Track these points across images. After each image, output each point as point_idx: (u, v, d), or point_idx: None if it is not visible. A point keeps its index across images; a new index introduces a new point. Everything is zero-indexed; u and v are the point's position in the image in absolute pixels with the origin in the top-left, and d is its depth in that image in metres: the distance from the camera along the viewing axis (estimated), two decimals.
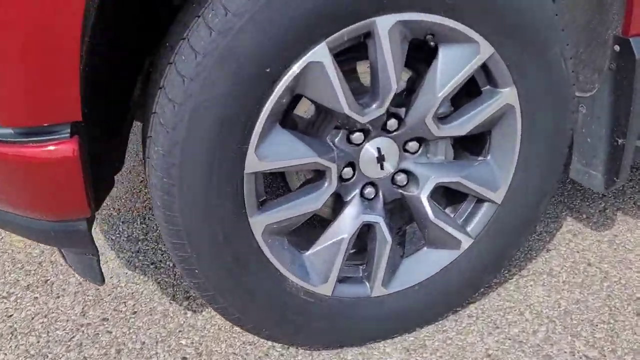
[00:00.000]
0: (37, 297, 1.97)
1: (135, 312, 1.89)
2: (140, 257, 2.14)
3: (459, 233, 1.65)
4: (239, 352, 1.72)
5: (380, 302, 1.64)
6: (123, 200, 2.48)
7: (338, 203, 1.60)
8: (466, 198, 1.69)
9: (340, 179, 1.52)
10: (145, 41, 1.60)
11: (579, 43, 1.69)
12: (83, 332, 1.82)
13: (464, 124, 1.53)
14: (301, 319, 1.57)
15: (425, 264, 1.68)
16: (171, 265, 2.08)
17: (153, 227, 2.29)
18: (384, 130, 1.51)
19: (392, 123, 1.51)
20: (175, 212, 1.33)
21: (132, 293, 1.98)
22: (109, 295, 1.97)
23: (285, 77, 1.30)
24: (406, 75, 1.65)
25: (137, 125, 2.19)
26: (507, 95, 1.52)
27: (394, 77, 1.40)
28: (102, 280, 1.48)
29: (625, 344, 1.71)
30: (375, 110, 1.43)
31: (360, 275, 1.65)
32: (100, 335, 1.81)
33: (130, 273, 2.07)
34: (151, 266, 2.10)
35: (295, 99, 1.52)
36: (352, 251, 1.73)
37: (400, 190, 1.61)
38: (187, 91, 1.23)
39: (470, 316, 1.81)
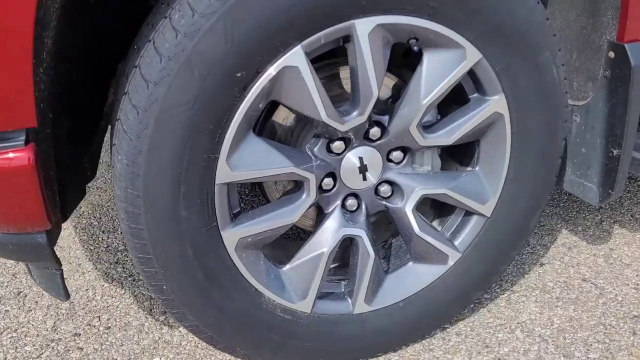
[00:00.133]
0: (7, 310, 1.89)
1: (109, 327, 1.81)
2: (118, 269, 2.06)
3: (446, 247, 1.57)
4: None
5: (363, 320, 1.56)
6: (105, 209, 2.41)
7: (320, 215, 1.52)
8: (454, 210, 1.61)
9: (320, 189, 1.45)
10: (119, 45, 1.53)
11: (572, 49, 1.62)
12: (53, 348, 1.74)
13: (450, 133, 1.46)
14: (278, 338, 1.49)
15: (411, 280, 1.60)
16: None
17: None
18: (367, 139, 1.44)
19: (375, 131, 1.43)
20: (141, 224, 1.25)
21: (107, 307, 1.90)
22: (83, 308, 1.89)
23: (258, 83, 1.22)
24: (391, 82, 1.58)
25: None
26: (496, 103, 1.44)
27: (375, 84, 1.32)
28: (67, 296, 1.40)
29: None
30: (356, 118, 1.36)
31: (342, 291, 1.58)
32: (70, 352, 1.72)
33: (107, 285, 1.99)
34: (129, 278, 2.02)
35: (274, 105, 1.46)
36: (334, 265, 1.66)
37: (384, 202, 1.54)
38: (152, 97, 1.16)
39: (459, 334, 1.73)
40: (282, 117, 1.49)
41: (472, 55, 1.36)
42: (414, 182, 1.51)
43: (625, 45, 1.46)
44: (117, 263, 2.09)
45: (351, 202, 1.50)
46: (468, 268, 1.61)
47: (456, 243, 1.59)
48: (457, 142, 1.48)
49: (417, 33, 1.32)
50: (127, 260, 2.10)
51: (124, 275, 2.03)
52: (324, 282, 1.52)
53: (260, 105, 1.27)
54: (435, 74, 1.38)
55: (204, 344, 1.71)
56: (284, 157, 1.33)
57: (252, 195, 2.41)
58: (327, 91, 1.51)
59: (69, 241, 2.25)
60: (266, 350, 1.51)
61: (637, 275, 1.93)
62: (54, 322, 1.84)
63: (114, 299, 1.93)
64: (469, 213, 1.59)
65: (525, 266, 1.98)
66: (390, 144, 1.46)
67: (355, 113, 1.36)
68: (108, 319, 1.85)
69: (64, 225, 2.36)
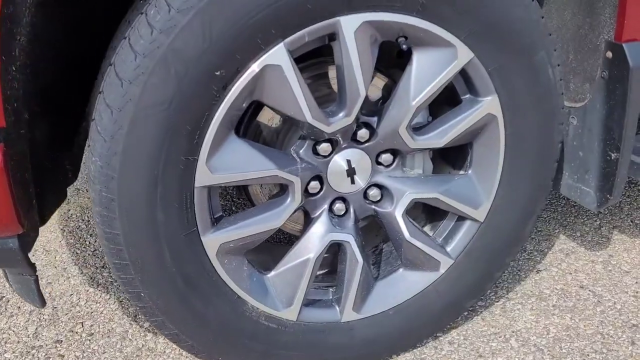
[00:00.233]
0: None
1: (91, 334, 1.76)
2: (104, 274, 2.01)
3: (438, 253, 1.52)
4: None
5: (351, 328, 1.51)
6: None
7: (306, 220, 1.47)
8: (446, 215, 1.56)
9: (307, 193, 1.40)
10: (104, 43, 1.48)
11: (568, 49, 1.56)
12: (33, 355, 1.69)
13: (442, 136, 1.40)
14: (262, 347, 1.43)
15: (401, 287, 1.54)
16: None
17: None
18: (355, 141, 1.39)
19: (363, 133, 1.39)
20: (116, 229, 1.20)
21: (91, 312, 1.85)
22: (67, 314, 1.84)
23: (239, 82, 1.17)
24: (382, 82, 1.53)
25: None
26: (489, 104, 1.39)
27: (363, 84, 1.27)
28: (42, 303, 1.35)
29: None
30: (343, 120, 1.31)
31: (330, 298, 1.52)
32: (51, 359, 1.67)
33: (92, 290, 1.94)
34: (115, 283, 1.96)
35: (259, 105, 1.41)
36: (322, 272, 1.61)
37: (374, 206, 1.48)
38: (126, 96, 1.11)
39: (452, 343, 1.68)
40: (268, 118, 1.44)
41: (464, 55, 1.32)
42: (404, 185, 1.46)
43: (624, 44, 1.41)
44: (103, 267, 2.04)
45: (339, 206, 1.45)
46: (461, 275, 1.56)
47: (448, 249, 1.54)
48: (448, 145, 1.43)
49: (406, 31, 1.27)
50: None
51: (109, 280, 1.98)
52: (310, 289, 1.47)
53: (242, 106, 1.22)
54: (425, 74, 1.33)
55: None
56: (267, 160, 1.28)
57: (244, 199, 2.36)
58: (314, 91, 1.47)
59: (56, 244, 2.20)
60: None
61: (636, 282, 1.87)
62: (36, 329, 1.79)
63: (98, 304, 1.88)
64: (461, 218, 1.53)
65: (522, 273, 1.93)
66: (379, 147, 1.41)
67: (341, 114, 1.31)
68: (91, 326, 1.80)
69: (51, 228, 2.34)
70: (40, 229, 2.25)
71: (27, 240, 1.25)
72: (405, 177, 1.48)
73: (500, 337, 1.69)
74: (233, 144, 1.24)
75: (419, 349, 1.66)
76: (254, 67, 1.17)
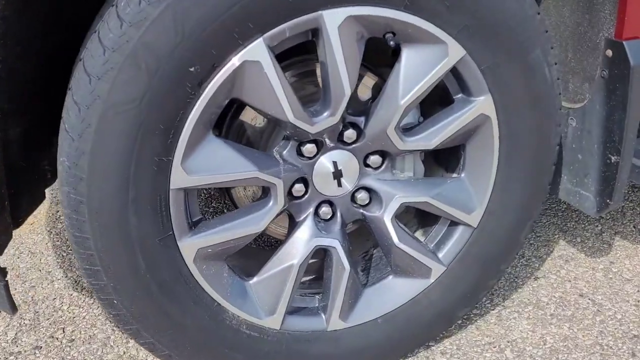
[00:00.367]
0: None
1: (72, 340, 1.71)
2: None
3: (429, 260, 1.45)
4: None
5: (337, 337, 1.44)
6: None
7: (291, 224, 1.41)
8: (439, 220, 1.49)
9: (291, 196, 1.34)
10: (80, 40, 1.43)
11: (567, 47, 1.50)
12: None
13: (432, 137, 1.34)
14: (243, 357, 1.37)
15: (391, 295, 1.48)
16: None
17: None
18: (341, 142, 1.33)
19: (350, 134, 1.32)
20: (86, 233, 1.14)
21: (73, 317, 1.79)
22: (48, 319, 1.79)
23: (216, 78, 1.12)
24: (372, 81, 1.47)
25: None
26: (482, 104, 1.33)
27: (348, 82, 1.21)
28: (13, 310, 1.29)
29: None
30: (327, 119, 1.25)
31: (316, 306, 1.46)
32: None
33: (75, 295, 1.89)
34: None
35: (242, 104, 1.35)
36: (309, 278, 1.55)
37: (362, 210, 1.42)
38: (94, 92, 1.05)
39: (444, 353, 1.61)
40: (251, 117, 1.39)
41: (455, 52, 1.25)
42: (393, 189, 1.40)
43: (624, 42, 1.35)
44: None
45: (325, 210, 1.39)
46: (453, 282, 1.49)
47: (440, 255, 1.47)
48: (440, 147, 1.36)
49: (393, 27, 1.21)
50: None
51: None
52: (295, 297, 1.41)
53: (220, 104, 1.16)
54: (415, 72, 1.26)
55: None
56: (247, 161, 1.22)
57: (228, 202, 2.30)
58: (301, 89, 1.42)
59: (42, 246, 2.15)
60: None
61: (638, 291, 1.80)
62: (15, 334, 1.73)
63: (81, 309, 1.82)
64: (454, 223, 1.47)
65: (519, 280, 1.86)
66: (367, 148, 1.35)
67: (326, 114, 1.25)
68: (72, 331, 1.74)
69: (38, 230, 2.29)
70: (27, 231, 2.20)
71: None
72: (394, 180, 1.41)
73: (494, 347, 1.62)
74: (211, 144, 1.18)
75: (409, 359, 1.59)
76: (232, 63, 1.11)
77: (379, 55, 1.42)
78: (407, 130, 1.36)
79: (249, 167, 1.22)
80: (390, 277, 1.48)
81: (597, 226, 2.10)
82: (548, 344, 1.62)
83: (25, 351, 1.67)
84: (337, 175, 1.35)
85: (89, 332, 1.73)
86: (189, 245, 1.23)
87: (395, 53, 1.42)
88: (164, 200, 1.17)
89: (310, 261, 1.48)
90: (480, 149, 1.40)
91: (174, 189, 1.17)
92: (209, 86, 1.11)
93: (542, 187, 1.48)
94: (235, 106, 1.39)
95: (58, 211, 2.34)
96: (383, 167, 1.40)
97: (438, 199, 1.41)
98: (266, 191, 1.31)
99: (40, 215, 2.31)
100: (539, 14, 1.29)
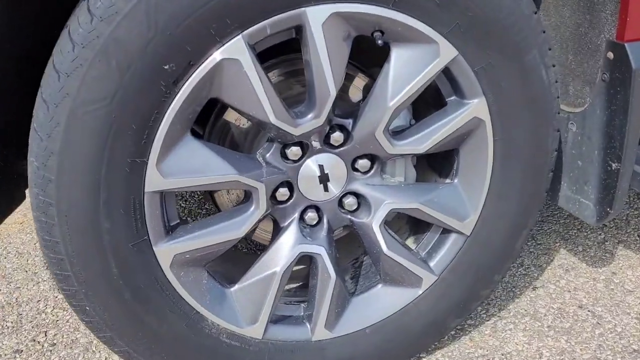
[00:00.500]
0: None
1: (54, 344, 1.66)
2: None
3: (420, 269, 1.40)
4: None
5: (322, 348, 1.39)
6: None
7: (275, 229, 1.36)
8: (430, 227, 1.44)
9: (275, 200, 1.28)
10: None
11: (567, 49, 1.44)
12: None
13: (423, 141, 1.28)
14: None
15: (380, 304, 1.42)
16: None
17: None
18: (328, 144, 1.27)
19: (337, 136, 1.27)
20: (56, 237, 1.09)
21: (57, 321, 1.75)
22: (31, 322, 1.75)
23: (193, 77, 1.06)
24: (362, 82, 1.42)
25: None
26: (475, 107, 1.27)
27: (333, 82, 1.16)
28: None
29: None
30: (312, 121, 1.20)
31: (302, 314, 1.41)
32: None
33: (60, 297, 1.84)
34: None
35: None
36: (295, 285, 1.49)
37: (350, 216, 1.37)
38: (63, 90, 1.00)
39: None
40: (235, 117, 1.33)
41: (447, 52, 1.20)
42: (382, 194, 1.34)
43: (626, 44, 1.28)
44: None
45: (311, 216, 1.34)
46: (445, 292, 1.43)
47: (431, 264, 1.42)
48: (431, 151, 1.31)
49: (382, 25, 1.15)
50: None
51: None
52: (279, 305, 1.36)
53: (198, 103, 1.11)
54: (404, 73, 1.21)
55: None
56: (227, 164, 1.17)
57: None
58: (288, 89, 1.36)
59: (30, 247, 2.11)
60: None
61: (639, 303, 1.73)
62: None
63: (65, 312, 1.78)
64: (446, 231, 1.41)
65: (517, 289, 1.80)
66: (355, 151, 1.29)
67: (310, 115, 1.19)
68: (55, 335, 1.69)
69: (27, 230, 2.25)
70: (16, 230, 2.16)
71: None
72: (384, 185, 1.35)
73: None
74: (188, 145, 1.13)
75: None
76: (209, 61, 1.06)
77: (371, 55, 1.36)
78: (397, 133, 1.31)
79: (228, 170, 1.17)
80: (380, 285, 1.43)
81: (599, 234, 2.03)
82: (544, 358, 1.56)
83: (5, 355, 1.63)
84: (324, 179, 1.30)
85: (72, 336, 1.69)
86: (165, 251, 1.18)
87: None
88: (139, 204, 1.12)
89: (298, 267, 1.43)
90: (474, 153, 1.34)
91: (149, 192, 1.12)
92: (185, 85, 1.06)
93: (539, 194, 1.42)
94: (220, 105, 1.35)
95: None
96: (372, 171, 1.34)
97: (429, 205, 1.35)
98: (248, 195, 1.26)
99: (30, 215, 2.27)
100: (535, 13, 1.23)
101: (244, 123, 1.34)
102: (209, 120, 1.36)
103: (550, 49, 1.27)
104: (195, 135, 1.21)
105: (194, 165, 1.14)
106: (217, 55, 1.06)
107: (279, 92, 1.34)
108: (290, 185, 1.29)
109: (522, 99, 1.28)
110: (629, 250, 1.96)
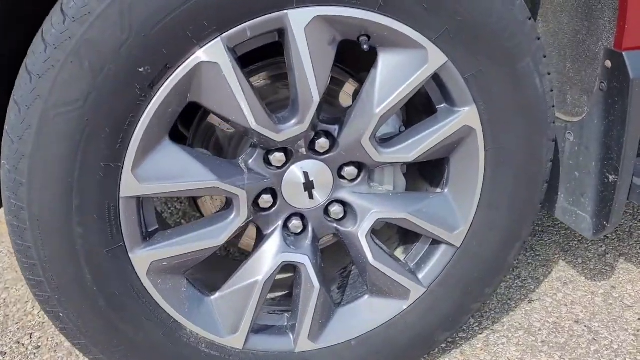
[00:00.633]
0: None
1: (38, 347, 1.64)
2: None
3: (407, 280, 1.36)
4: None
5: (305, 359, 1.35)
6: None
7: (259, 237, 1.33)
8: (420, 238, 1.40)
9: (258, 208, 1.25)
10: None
11: (565, 57, 1.39)
12: None
13: (411, 149, 1.25)
14: None
15: (366, 315, 1.39)
16: None
17: None
18: (313, 151, 1.24)
19: (323, 143, 1.23)
20: (28, 242, 1.07)
21: (42, 323, 1.73)
22: (17, 323, 1.73)
23: (169, 80, 1.03)
24: (352, 88, 1.39)
25: None
26: (466, 115, 1.23)
27: (316, 87, 1.12)
28: None
29: None
30: (295, 127, 1.16)
31: (285, 324, 1.37)
32: None
33: None
34: None
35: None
36: (280, 294, 1.46)
37: (335, 225, 1.33)
38: (35, 91, 0.97)
39: None
40: (219, 120, 1.30)
41: (435, 58, 1.16)
42: (369, 203, 1.30)
43: (624, 53, 1.24)
44: None
45: (295, 224, 1.30)
46: (433, 305, 1.39)
47: (420, 276, 1.38)
48: (420, 159, 1.27)
49: (368, 29, 1.12)
50: None
51: None
52: (261, 314, 1.33)
53: (176, 107, 1.08)
54: (392, 79, 1.17)
55: None
56: (206, 170, 1.13)
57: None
58: (274, 93, 1.33)
59: None
60: None
61: (638, 319, 1.68)
62: None
63: None
64: (436, 242, 1.37)
65: (512, 302, 1.75)
66: (341, 159, 1.26)
67: (293, 121, 1.16)
68: (39, 338, 1.67)
69: None
70: (7, 230, 2.13)
71: None
72: (371, 193, 1.32)
73: None
74: (166, 150, 1.10)
75: None
76: (187, 64, 1.03)
77: (363, 61, 1.33)
78: (385, 140, 1.27)
79: (207, 176, 1.14)
80: (366, 296, 1.39)
81: (600, 246, 1.98)
82: None
83: None
84: (309, 186, 1.26)
85: (56, 339, 1.66)
86: (142, 258, 1.15)
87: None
88: (114, 209, 1.09)
89: (283, 276, 1.40)
90: (465, 163, 1.30)
91: (125, 197, 1.09)
92: (162, 88, 1.03)
93: (533, 205, 1.37)
94: (203, 108, 1.32)
95: None
96: (359, 179, 1.30)
97: (418, 215, 1.31)
98: (229, 202, 1.23)
99: None
100: (530, 19, 1.19)
101: (228, 127, 1.31)
102: (192, 124, 1.33)
103: (545, 57, 1.23)
104: (178, 138, 1.18)
105: (172, 170, 1.11)
106: (194, 58, 1.03)
107: (266, 96, 1.31)
108: (273, 192, 1.25)
109: (514, 108, 1.24)
110: (630, 264, 1.91)
